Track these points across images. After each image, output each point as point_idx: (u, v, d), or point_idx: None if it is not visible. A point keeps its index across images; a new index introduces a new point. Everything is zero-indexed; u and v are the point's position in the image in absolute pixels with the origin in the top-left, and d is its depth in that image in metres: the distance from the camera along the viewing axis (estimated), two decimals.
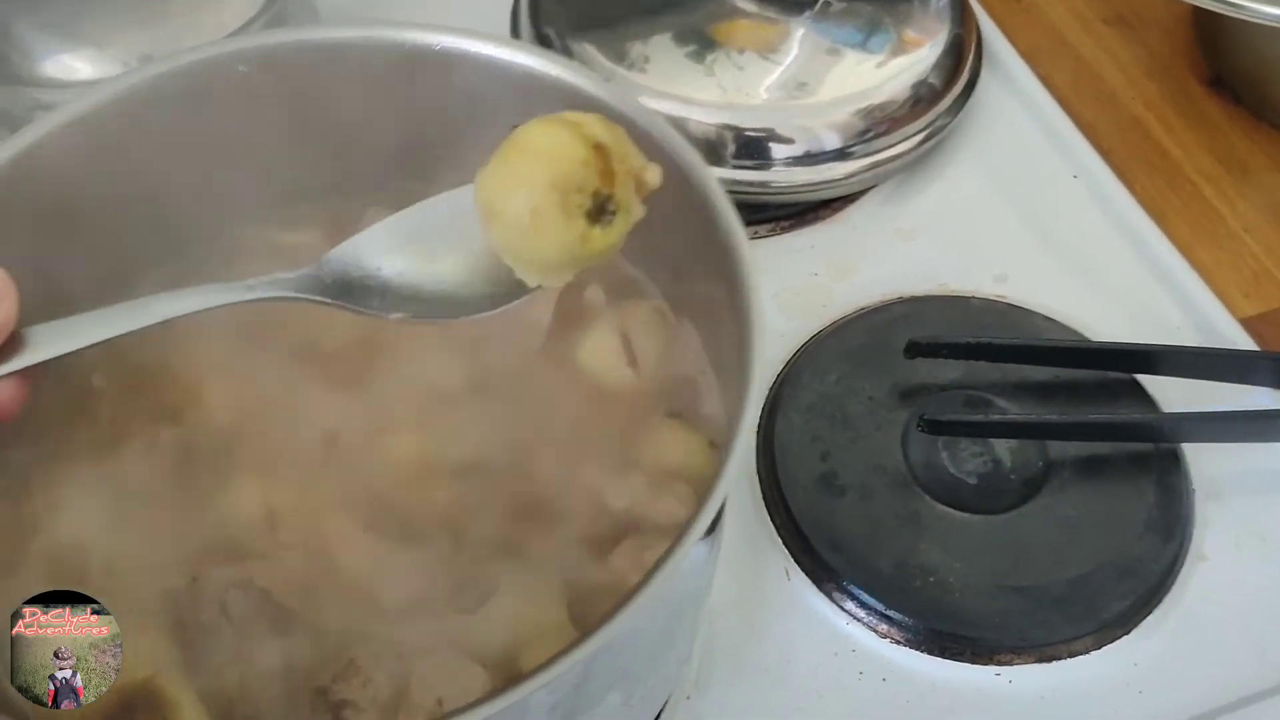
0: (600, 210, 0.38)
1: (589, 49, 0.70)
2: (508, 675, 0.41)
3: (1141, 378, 0.60)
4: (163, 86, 0.47)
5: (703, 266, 0.46)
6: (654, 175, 0.40)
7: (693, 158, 0.44)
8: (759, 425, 0.59)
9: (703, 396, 0.48)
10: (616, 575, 0.44)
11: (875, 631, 0.54)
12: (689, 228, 0.46)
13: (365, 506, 0.45)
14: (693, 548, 0.37)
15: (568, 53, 0.69)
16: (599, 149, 0.38)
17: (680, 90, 0.68)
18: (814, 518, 0.56)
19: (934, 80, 0.70)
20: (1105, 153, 0.71)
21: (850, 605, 0.54)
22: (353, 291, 0.39)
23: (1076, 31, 0.79)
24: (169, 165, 0.50)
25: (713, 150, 0.67)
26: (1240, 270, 0.67)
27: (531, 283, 0.40)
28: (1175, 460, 0.58)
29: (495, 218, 0.38)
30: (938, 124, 0.70)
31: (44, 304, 0.38)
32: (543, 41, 0.71)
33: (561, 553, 0.44)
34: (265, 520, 0.44)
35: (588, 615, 0.43)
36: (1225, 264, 0.67)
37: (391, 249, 0.40)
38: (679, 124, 0.67)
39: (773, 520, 0.57)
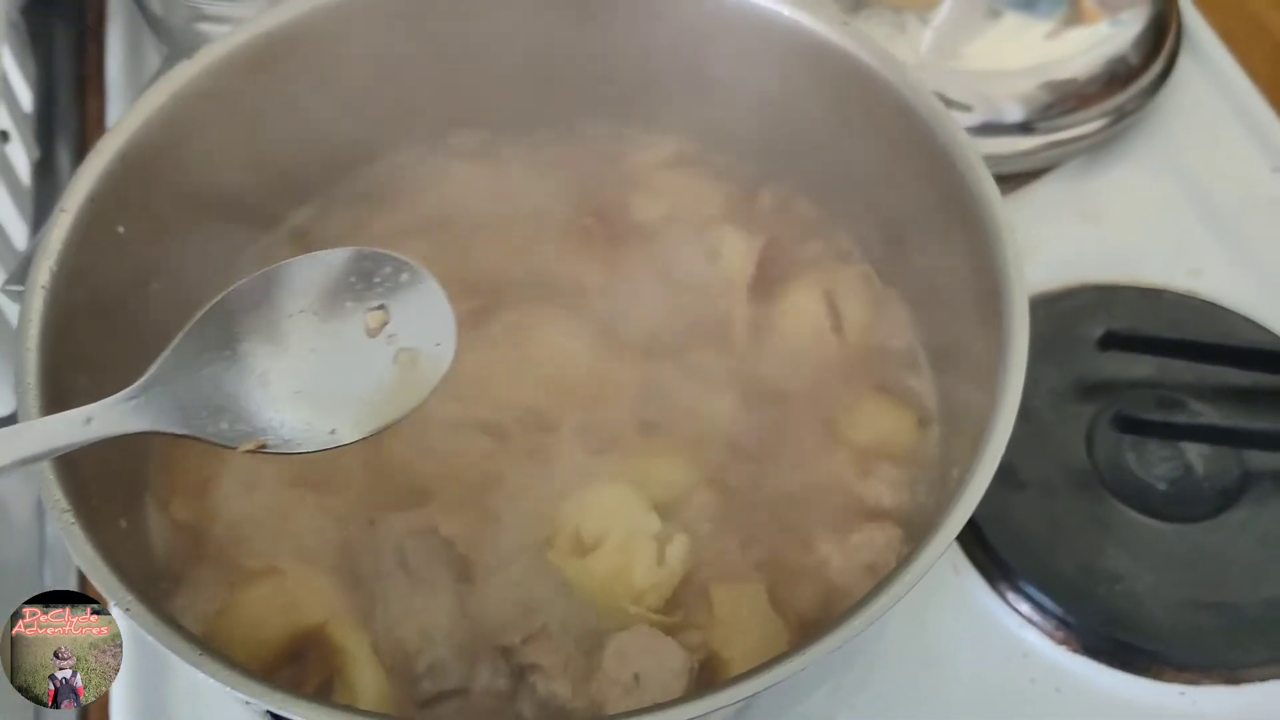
0: None
1: None
2: (705, 655, 0.39)
3: None
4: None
5: (930, 225, 0.43)
6: None
7: (939, 114, 0.41)
8: None
9: (911, 371, 0.46)
10: (818, 558, 0.41)
11: (1051, 638, 0.51)
12: (917, 183, 0.43)
13: (555, 464, 0.42)
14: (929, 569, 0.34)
15: None
16: None
17: None
18: (991, 512, 0.52)
19: (1132, 58, 0.66)
20: None
21: (1025, 607, 0.51)
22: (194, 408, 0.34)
23: (1274, 15, 0.74)
24: (365, 74, 0.47)
25: None
26: None
27: None
28: None
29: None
30: (1130, 106, 0.66)
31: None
32: None
33: (761, 529, 0.41)
34: (453, 468, 0.42)
35: (788, 597, 0.40)
36: None
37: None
38: None
39: None
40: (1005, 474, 0.52)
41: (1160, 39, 0.67)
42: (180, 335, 0.34)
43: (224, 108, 0.44)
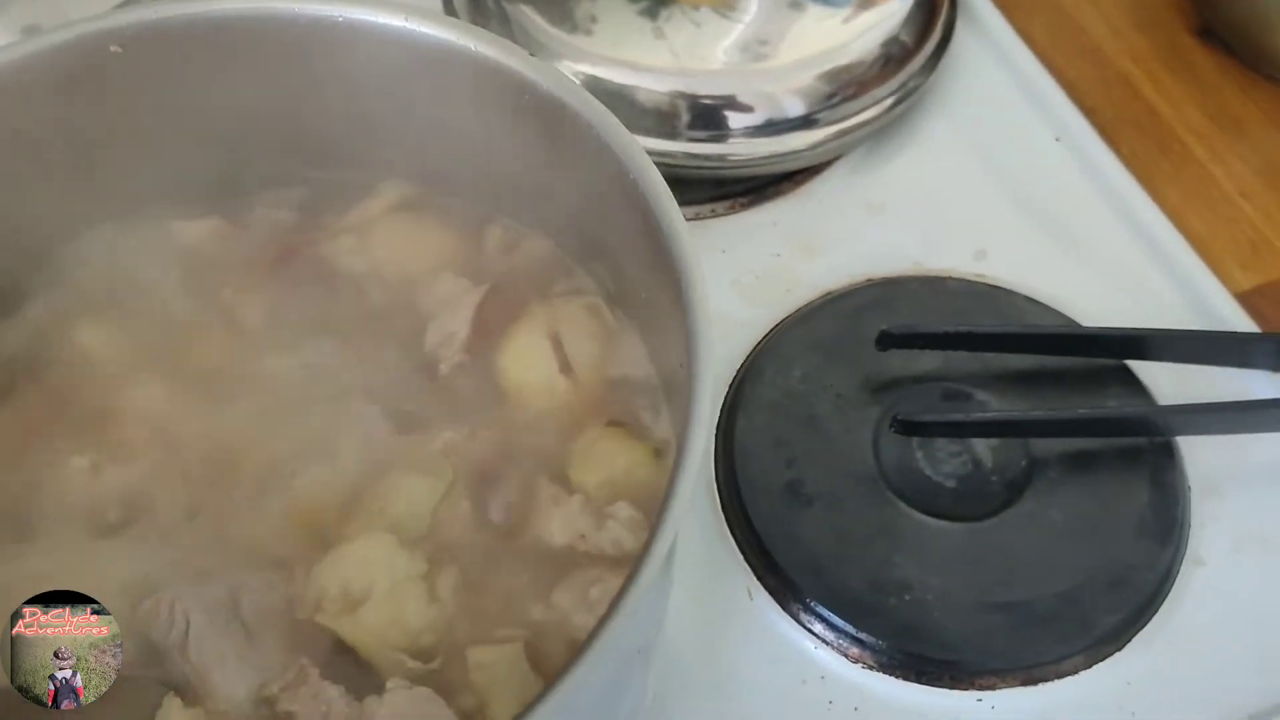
0: None
1: (526, 10, 0.63)
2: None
3: (1132, 363, 0.55)
4: (27, 69, 0.41)
5: (641, 256, 0.40)
6: None
7: (622, 136, 0.39)
8: (717, 428, 0.54)
9: (647, 401, 0.43)
10: (560, 614, 0.39)
11: (846, 656, 0.49)
12: (625, 215, 0.40)
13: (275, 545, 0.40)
14: (643, 597, 0.32)
15: (503, 16, 0.63)
16: None
17: (630, 55, 0.62)
18: (778, 531, 0.51)
19: (905, 37, 0.64)
20: (1089, 112, 0.66)
21: (818, 627, 0.49)
22: None
23: None
24: (40, 152, 0.44)
25: (665, 121, 0.61)
26: (1236, 239, 0.62)
27: None
28: (1169, 454, 0.53)
29: None
30: (910, 85, 0.64)
31: None
32: (477, 4, 0.65)
33: (507, 590, 0.39)
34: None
35: (547, 655, 0.38)
36: (1220, 233, 0.62)
37: None
38: (628, 93, 0.61)
39: (733, 534, 0.52)
40: (792, 489, 0.52)
41: (933, 13, 0.66)
42: None
43: None
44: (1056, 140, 0.65)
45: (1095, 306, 0.58)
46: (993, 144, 0.65)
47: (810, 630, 0.50)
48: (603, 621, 0.31)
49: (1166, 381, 0.55)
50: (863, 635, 0.49)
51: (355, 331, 0.44)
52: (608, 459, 0.42)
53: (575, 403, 0.43)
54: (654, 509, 0.41)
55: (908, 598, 0.49)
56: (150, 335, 0.44)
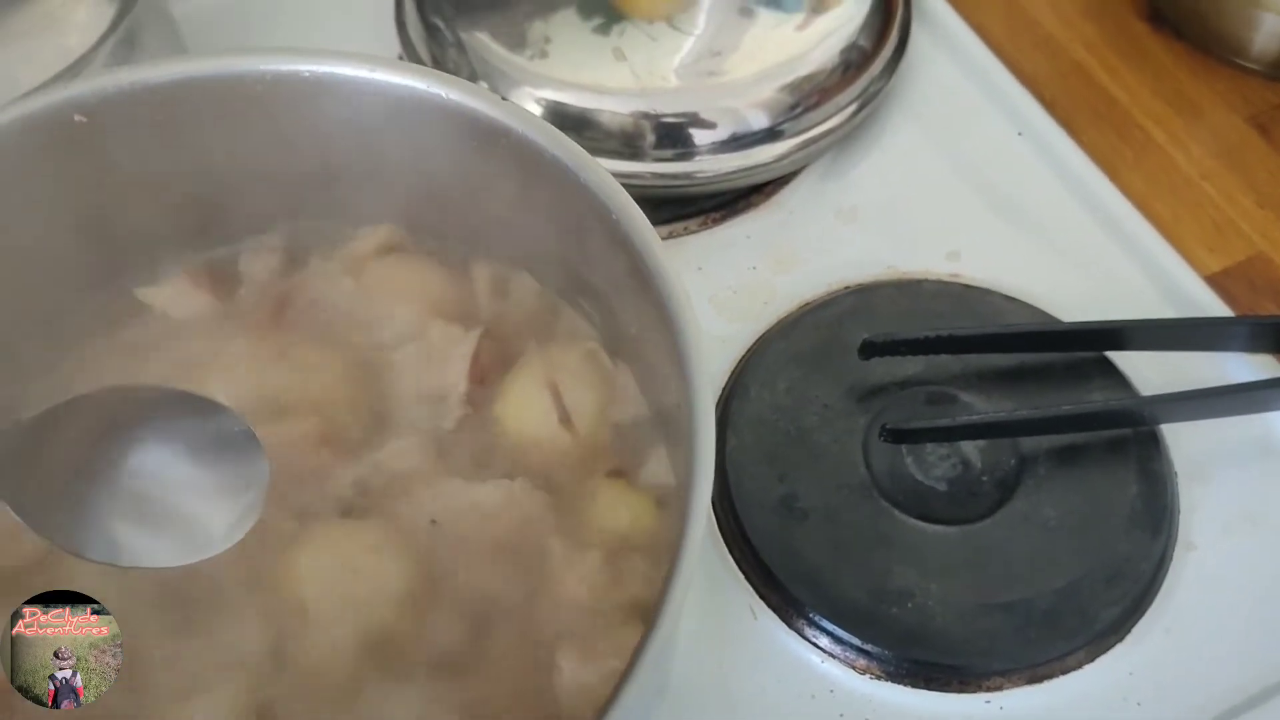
0: None
1: (482, 38, 0.63)
2: None
3: (1111, 354, 0.56)
4: None
5: (627, 294, 0.41)
6: None
7: (600, 175, 0.39)
8: None
9: (646, 447, 0.43)
10: (570, 674, 0.39)
11: (854, 668, 0.49)
12: (608, 253, 0.40)
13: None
14: (663, 648, 0.32)
15: (459, 45, 0.63)
16: None
17: (589, 78, 0.62)
18: (776, 547, 0.51)
19: (863, 42, 0.65)
20: (1048, 104, 0.66)
21: (824, 641, 0.50)
22: None
23: None
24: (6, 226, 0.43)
25: (629, 143, 0.61)
26: (1201, 222, 0.63)
27: None
28: (1155, 443, 0.54)
29: None
30: (871, 90, 0.65)
31: None
32: (431, 33, 0.64)
33: (500, 664, 0.39)
34: None
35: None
36: (1185, 217, 0.63)
37: None
38: (591, 117, 0.61)
39: (731, 553, 0.52)
40: (786, 504, 0.52)
41: (888, 17, 0.66)
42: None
43: None
44: (1019, 135, 0.65)
45: (1070, 299, 0.58)
46: (957, 143, 0.65)
47: (816, 645, 0.50)
48: (625, 676, 0.31)
49: (1146, 370, 0.56)
50: (868, 646, 0.49)
51: (349, 388, 0.43)
52: (612, 512, 0.41)
53: (578, 455, 0.42)
54: (660, 559, 0.41)
55: (910, 605, 0.50)
56: None
